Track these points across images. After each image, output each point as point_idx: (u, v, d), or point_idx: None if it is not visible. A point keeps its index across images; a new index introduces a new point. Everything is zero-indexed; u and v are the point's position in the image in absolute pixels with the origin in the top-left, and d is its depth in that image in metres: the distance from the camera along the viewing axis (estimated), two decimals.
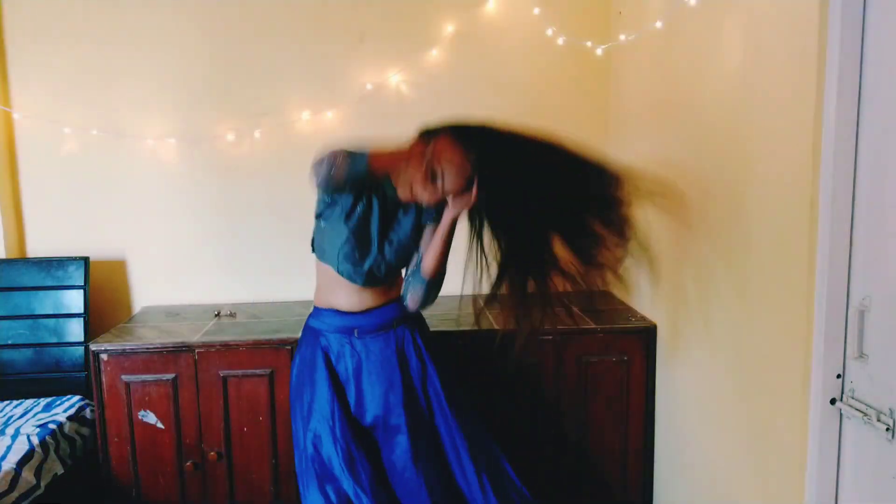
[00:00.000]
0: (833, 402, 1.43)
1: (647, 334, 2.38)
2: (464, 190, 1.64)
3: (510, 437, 2.40)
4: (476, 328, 2.39)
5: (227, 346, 2.31)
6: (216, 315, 2.64)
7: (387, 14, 2.76)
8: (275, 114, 2.75)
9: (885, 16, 1.30)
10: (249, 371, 2.32)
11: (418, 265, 1.85)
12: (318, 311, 1.92)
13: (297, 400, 1.90)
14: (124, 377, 2.31)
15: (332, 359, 1.86)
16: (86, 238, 2.81)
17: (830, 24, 1.37)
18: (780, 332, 1.58)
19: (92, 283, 2.74)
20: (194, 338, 2.35)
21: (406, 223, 1.85)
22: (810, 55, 1.42)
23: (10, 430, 2.24)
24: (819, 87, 1.40)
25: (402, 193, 1.66)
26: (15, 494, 2.01)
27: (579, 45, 2.57)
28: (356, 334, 1.86)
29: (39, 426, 2.28)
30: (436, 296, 1.88)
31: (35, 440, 2.19)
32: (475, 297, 1.74)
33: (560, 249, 1.67)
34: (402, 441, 1.82)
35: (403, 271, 1.93)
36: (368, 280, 1.83)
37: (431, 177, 1.60)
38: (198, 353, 2.31)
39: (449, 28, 2.75)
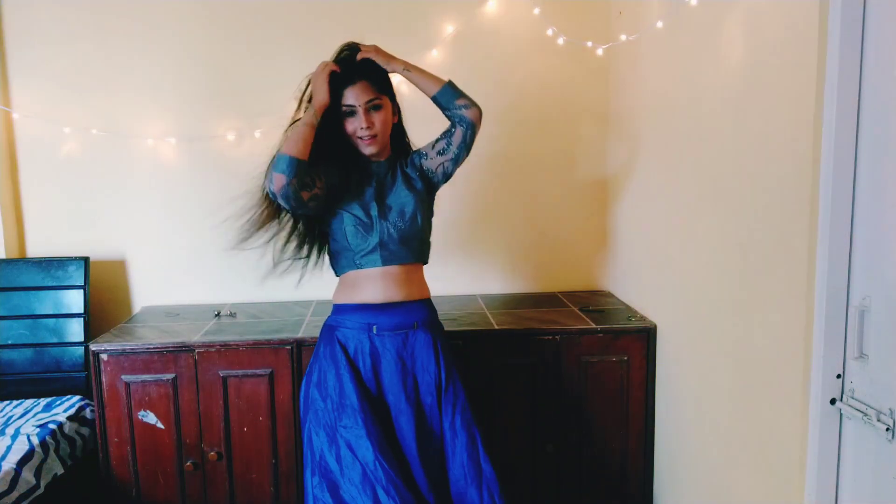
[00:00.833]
0: (833, 402, 1.43)
1: (647, 334, 2.38)
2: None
3: (510, 437, 2.40)
4: (476, 328, 2.40)
5: (227, 346, 2.31)
6: (216, 315, 2.64)
7: (387, 14, 2.76)
8: (275, 113, 2.75)
9: (885, 16, 1.30)
10: (249, 371, 2.32)
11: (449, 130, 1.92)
12: (337, 308, 1.93)
13: (321, 397, 1.85)
14: (124, 377, 2.31)
15: (351, 354, 1.86)
16: (86, 238, 2.81)
17: (830, 24, 1.37)
18: (780, 332, 1.58)
19: (92, 283, 2.74)
20: (194, 338, 2.35)
21: (400, 189, 1.90)
22: (810, 55, 1.42)
23: (10, 430, 2.24)
24: (819, 87, 1.40)
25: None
26: (15, 494, 2.01)
27: (579, 45, 2.57)
28: (375, 331, 1.86)
29: (39, 426, 2.28)
30: (462, 92, 1.92)
31: (35, 440, 2.19)
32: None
33: None
34: (410, 444, 1.82)
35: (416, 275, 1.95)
36: (385, 255, 1.85)
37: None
38: (198, 353, 2.31)
39: (449, 28, 2.75)
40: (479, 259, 2.92)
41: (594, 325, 2.40)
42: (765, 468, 1.67)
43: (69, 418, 2.38)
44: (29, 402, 2.51)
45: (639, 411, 2.42)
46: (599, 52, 2.61)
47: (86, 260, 2.67)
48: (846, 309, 1.41)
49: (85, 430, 2.43)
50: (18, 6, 2.69)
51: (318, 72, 1.83)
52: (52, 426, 2.29)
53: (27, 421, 2.33)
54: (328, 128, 1.83)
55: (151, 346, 2.31)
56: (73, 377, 2.62)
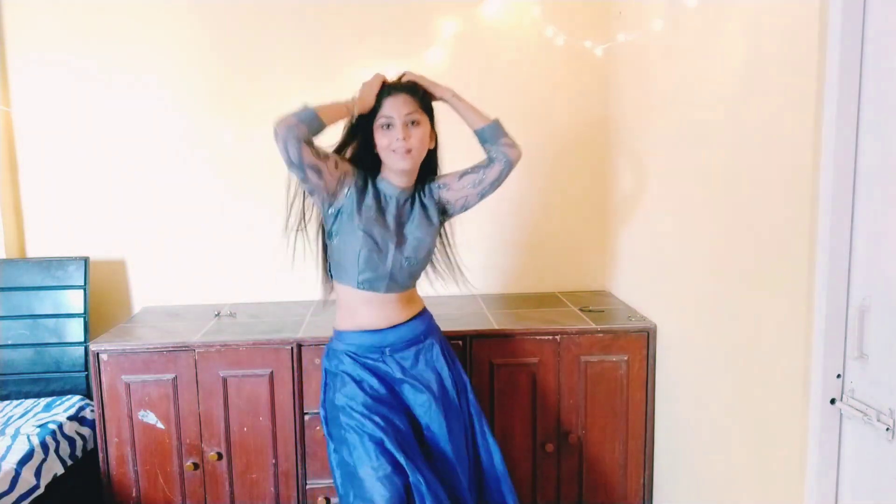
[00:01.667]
0: (833, 402, 1.43)
1: (647, 334, 2.38)
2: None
3: (510, 437, 2.40)
4: (476, 328, 2.40)
5: (227, 346, 2.31)
6: (216, 315, 2.64)
7: (387, 14, 2.76)
8: (275, 113, 2.75)
9: (885, 16, 1.30)
10: (249, 371, 2.32)
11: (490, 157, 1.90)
12: (341, 335, 1.89)
13: (341, 405, 1.82)
14: (124, 377, 2.31)
15: (369, 370, 1.84)
16: (86, 238, 2.81)
17: (830, 24, 1.37)
18: (781, 332, 1.58)
19: (92, 283, 2.74)
20: (194, 338, 2.35)
21: (420, 221, 1.86)
22: (810, 55, 1.42)
23: (10, 430, 2.24)
24: (819, 87, 1.40)
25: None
26: (15, 494, 2.01)
27: (579, 45, 2.58)
28: (388, 353, 1.86)
29: (39, 426, 2.28)
30: (507, 131, 1.92)
31: (35, 440, 2.19)
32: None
33: None
34: (445, 447, 1.84)
35: (417, 285, 1.96)
36: (390, 284, 1.83)
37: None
38: (198, 353, 2.31)
39: (449, 28, 2.75)
40: (479, 259, 2.92)
41: (594, 325, 2.40)
42: (765, 468, 1.67)
43: (69, 418, 2.38)
44: (29, 402, 2.51)
45: (638, 411, 2.42)
46: (599, 52, 2.61)
47: (86, 260, 2.67)
48: (846, 309, 1.41)
49: (85, 430, 2.43)
50: (18, 6, 2.69)
51: (371, 80, 1.82)
52: (52, 426, 2.30)
53: (27, 421, 2.33)
54: (360, 137, 1.83)
55: (151, 347, 2.31)
56: (73, 377, 2.62)
